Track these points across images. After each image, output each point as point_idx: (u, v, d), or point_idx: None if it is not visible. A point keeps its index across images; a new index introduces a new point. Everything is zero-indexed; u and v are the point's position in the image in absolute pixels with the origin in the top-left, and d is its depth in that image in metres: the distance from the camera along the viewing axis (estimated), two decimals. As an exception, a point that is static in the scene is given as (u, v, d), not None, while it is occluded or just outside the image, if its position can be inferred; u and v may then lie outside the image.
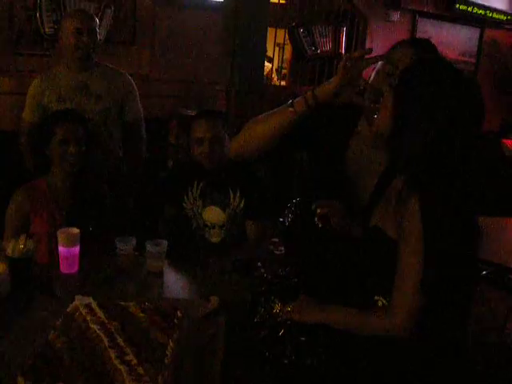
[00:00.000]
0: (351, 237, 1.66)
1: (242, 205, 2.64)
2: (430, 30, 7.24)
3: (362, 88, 1.67)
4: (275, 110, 1.75)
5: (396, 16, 7.16)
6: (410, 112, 1.42)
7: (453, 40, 7.46)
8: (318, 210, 1.69)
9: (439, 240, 1.39)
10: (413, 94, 1.43)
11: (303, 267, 1.81)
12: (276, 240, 2.16)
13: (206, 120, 2.63)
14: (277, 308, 1.61)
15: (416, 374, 1.52)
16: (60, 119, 2.46)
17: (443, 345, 1.52)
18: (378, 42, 6.73)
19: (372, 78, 1.81)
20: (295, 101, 1.68)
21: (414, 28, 7.27)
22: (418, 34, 7.19)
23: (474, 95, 1.44)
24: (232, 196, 2.64)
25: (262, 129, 1.77)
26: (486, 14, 7.61)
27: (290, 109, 1.67)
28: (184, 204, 2.69)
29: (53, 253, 2.24)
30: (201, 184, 2.66)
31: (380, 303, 1.54)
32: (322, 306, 1.57)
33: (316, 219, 1.70)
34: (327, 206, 1.70)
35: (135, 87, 3.24)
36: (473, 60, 7.85)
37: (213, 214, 2.66)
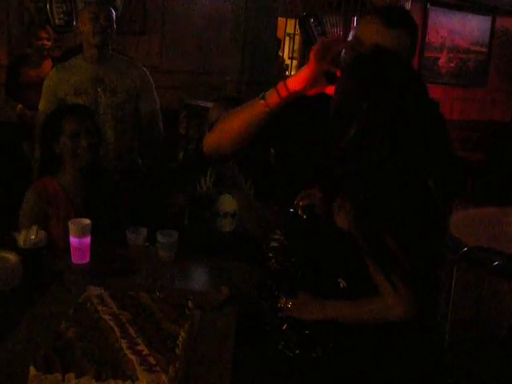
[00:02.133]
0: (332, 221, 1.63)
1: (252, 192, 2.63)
2: (442, 18, 7.17)
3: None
4: (247, 103, 1.68)
5: (407, 5, 7.09)
6: (349, 98, 1.42)
7: (464, 29, 7.39)
8: (300, 203, 1.68)
9: (366, 220, 1.40)
10: (354, 82, 1.43)
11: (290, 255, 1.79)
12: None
13: (220, 103, 2.69)
14: (281, 302, 1.62)
15: (421, 359, 1.54)
16: (67, 113, 2.40)
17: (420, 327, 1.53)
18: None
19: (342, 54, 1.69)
20: (267, 93, 1.62)
21: (425, 17, 7.21)
22: (429, 23, 7.13)
23: (420, 97, 1.42)
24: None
25: (234, 124, 1.69)
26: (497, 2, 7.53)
27: (262, 101, 1.60)
28: (197, 193, 2.69)
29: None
30: (213, 172, 2.66)
31: (341, 285, 1.55)
32: (321, 304, 1.56)
33: (299, 212, 1.68)
34: (308, 197, 1.69)
35: (151, 79, 3.23)
36: (485, 49, 7.78)
37: (225, 203, 2.65)
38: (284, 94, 1.58)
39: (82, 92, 3.02)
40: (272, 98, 1.59)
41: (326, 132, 1.50)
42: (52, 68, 4.48)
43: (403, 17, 1.69)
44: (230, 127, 1.70)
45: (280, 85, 1.59)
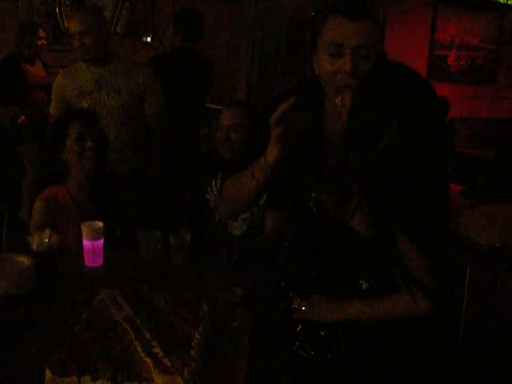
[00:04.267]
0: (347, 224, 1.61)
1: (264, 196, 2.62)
2: (451, 16, 7.15)
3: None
4: (240, 178, 1.66)
5: (416, 3, 7.08)
6: (372, 116, 1.37)
7: (474, 26, 7.36)
8: (313, 195, 1.67)
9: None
10: (376, 101, 1.38)
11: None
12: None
13: (232, 108, 2.65)
14: (296, 303, 1.61)
15: (435, 360, 1.53)
16: (72, 118, 2.39)
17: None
18: (398, 29, 6.67)
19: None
20: (255, 169, 1.58)
21: (434, 15, 7.18)
22: (439, 21, 7.11)
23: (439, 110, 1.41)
24: None
25: (240, 195, 1.69)
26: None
27: (255, 180, 1.58)
28: (207, 195, 2.69)
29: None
30: (223, 175, 2.65)
31: (364, 286, 1.54)
32: (337, 304, 1.55)
33: (311, 203, 1.67)
34: (323, 192, 1.67)
35: (157, 80, 3.21)
36: (494, 46, 7.75)
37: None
38: (269, 169, 1.53)
39: (86, 94, 3.04)
40: (261, 175, 1.56)
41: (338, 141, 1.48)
42: (44, 67, 4.55)
43: (363, 5, 1.61)
44: (238, 198, 1.71)
45: (262, 160, 1.54)
